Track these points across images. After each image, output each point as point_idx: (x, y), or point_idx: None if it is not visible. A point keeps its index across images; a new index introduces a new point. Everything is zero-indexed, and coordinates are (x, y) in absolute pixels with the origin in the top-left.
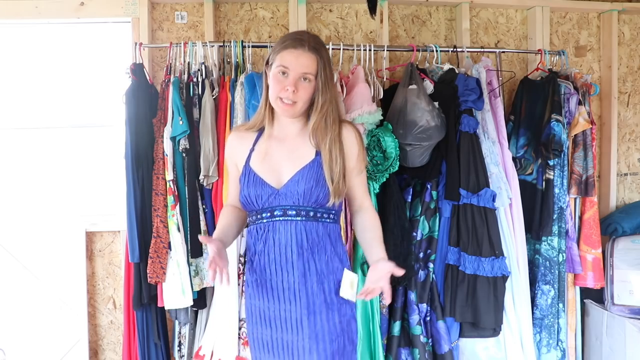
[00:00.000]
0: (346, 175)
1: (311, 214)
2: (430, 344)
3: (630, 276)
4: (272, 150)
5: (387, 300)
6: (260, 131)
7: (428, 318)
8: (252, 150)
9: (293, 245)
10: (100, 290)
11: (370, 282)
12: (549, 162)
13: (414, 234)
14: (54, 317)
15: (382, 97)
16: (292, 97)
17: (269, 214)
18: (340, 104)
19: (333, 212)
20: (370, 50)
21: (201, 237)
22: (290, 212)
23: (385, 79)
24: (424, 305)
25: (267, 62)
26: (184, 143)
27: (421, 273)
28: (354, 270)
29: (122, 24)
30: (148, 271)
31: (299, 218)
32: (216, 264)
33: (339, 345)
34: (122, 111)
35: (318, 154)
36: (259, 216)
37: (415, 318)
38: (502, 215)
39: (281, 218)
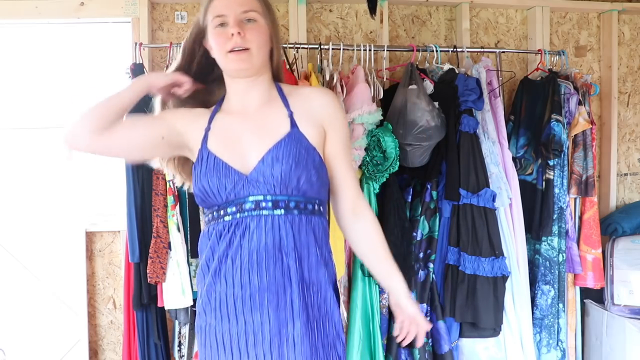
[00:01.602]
0: (328, 156)
1: (292, 204)
2: (430, 344)
3: (630, 276)
4: (233, 127)
5: (419, 343)
6: (215, 108)
7: (428, 318)
8: (207, 129)
9: (269, 248)
10: (100, 290)
11: (404, 327)
12: (549, 162)
13: (414, 234)
14: (54, 317)
15: (382, 97)
16: (241, 41)
17: (235, 209)
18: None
19: (318, 200)
20: (370, 50)
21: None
22: (264, 205)
23: (385, 79)
24: (424, 305)
25: (200, 32)
26: None
27: (421, 273)
28: (352, 272)
29: (122, 24)
30: (148, 271)
31: (277, 211)
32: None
33: None
34: None
35: (294, 124)
36: (220, 212)
37: None
38: (502, 215)
39: (253, 212)
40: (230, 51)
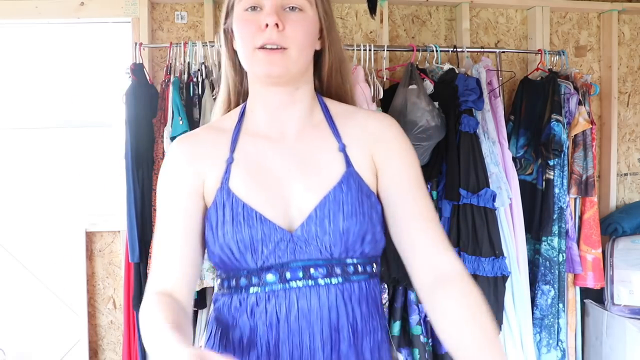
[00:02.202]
0: (388, 199)
1: (350, 268)
2: (431, 344)
3: (630, 276)
4: (267, 159)
5: None
6: (236, 126)
7: (428, 318)
8: (230, 161)
9: (324, 328)
10: (100, 290)
11: None
12: (549, 162)
13: None
14: (54, 317)
15: (382, 97)
16: (277, 37)
17: (274, 277)
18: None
19: (378, 258)
20: (370, 50)
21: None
22: (315, 272)
23: (385, 79)
24: (423, 306)
25: (225, 21)
26: None
27: None
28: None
29: (122, 24)
30: (149, 271)
31: (332, 280)
32: None
33: None
34: (122, 111)
35: (349, 162)
36: (252, 280)
37: (415, 318)
38: (502, 215)
39: (301, 283)
40: (260, 47)
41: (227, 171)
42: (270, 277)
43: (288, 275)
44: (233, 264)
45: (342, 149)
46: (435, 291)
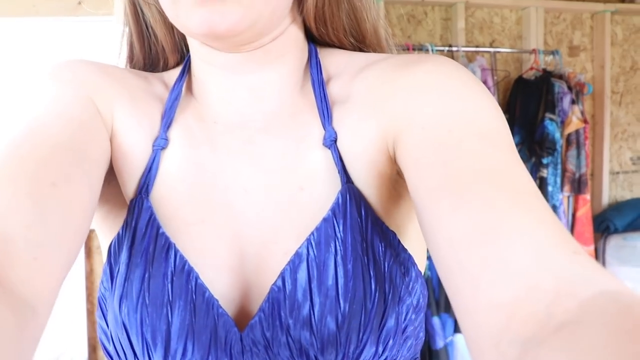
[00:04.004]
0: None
1: None
2: (425, 339)
3: (622, 273)
4: (214, 160)
5: None
6: (173, 95)
7: None
8: (162, 143)
9: None
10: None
11: None
12: (542, 160)
13: None
14: (52, 314)
15: None
16: None
17: None
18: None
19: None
20: None
21: None
22: None
23: None
24: None
25: None
26: None
27: None
28: None
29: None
30: None
31: None
32: None
33: None
34: None
35: (343, 169)
36: None
37: None
38: None
39: None
40: None
41: (153, 163)
42: None
43: None
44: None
45: (330, 140)
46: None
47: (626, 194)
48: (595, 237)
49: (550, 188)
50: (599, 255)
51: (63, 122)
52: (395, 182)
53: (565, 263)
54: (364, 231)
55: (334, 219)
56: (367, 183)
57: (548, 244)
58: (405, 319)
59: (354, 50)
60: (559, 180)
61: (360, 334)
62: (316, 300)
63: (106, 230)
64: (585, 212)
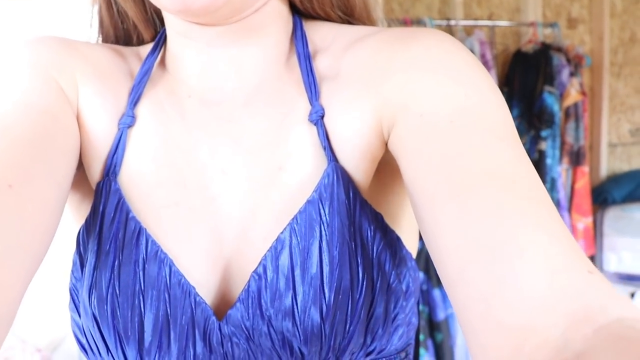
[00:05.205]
0: (416, 181)
1: None
2: (427, 311)
3: (619, 243)
4: (189, 137)
5: None
6: (144, 69)
7: (424, 286)
8: (128, 121)
9: None
10: None
11: None
12: (541, 133)
13: None
14: (51, 310)
15: None
16: None
17: None
18: None
19: (408, 345)
20: None
21: None
22: None
23: None
24: (420, 274)
25: None
26: None
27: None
28: None
29: None
30: None
31: None
32: None
33: None
34: None
35: (329, 146)
36: None
37: None
38: None
39: None
40: None
41: (119, 143)
42: None
43: None
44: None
45: (317, 116)
46: None
47: (624, 166)
48: (594, 208)
49: (549, 161)
50: (597, 226)
51: (24, 111)
52: (386, 165)
53: (581, 285)
54: (352, 214)
55: (320, 201)
56: (356, 165)
57: (563, 263)
58: (395, 307)
59: (342, 23)
60: (557, 152)
61: (347, 325)
62: (299, 289)
63: (80, 218)
64: (583, 184)
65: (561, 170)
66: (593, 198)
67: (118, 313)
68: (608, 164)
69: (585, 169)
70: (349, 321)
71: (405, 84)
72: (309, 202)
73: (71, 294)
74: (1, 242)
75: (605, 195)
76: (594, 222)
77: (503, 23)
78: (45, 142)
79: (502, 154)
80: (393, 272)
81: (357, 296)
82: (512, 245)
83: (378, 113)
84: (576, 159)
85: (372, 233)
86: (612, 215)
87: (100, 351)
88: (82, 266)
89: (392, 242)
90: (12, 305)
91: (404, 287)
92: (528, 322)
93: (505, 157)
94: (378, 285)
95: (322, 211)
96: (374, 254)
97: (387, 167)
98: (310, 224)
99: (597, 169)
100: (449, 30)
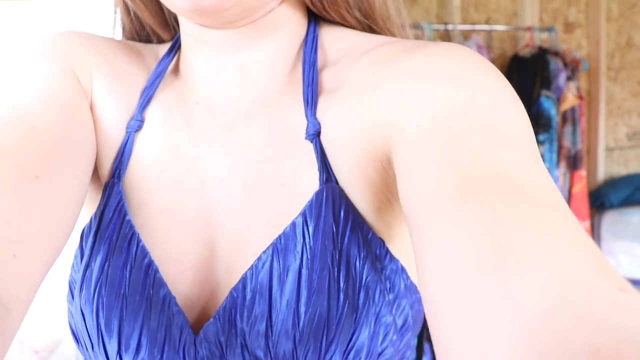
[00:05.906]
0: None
1: None
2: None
3: (617, 248)
4: (192, 146)
5: None
6: (157, 73)
7: None
8: (136, 125)
9: None
10: None
11: None
12: (538, 137)
13: None
14: (49, 313)
15: None
16: None
17: None
18: None
19: None
20: None
21: None
22: None
23: None
24: None
25: None
26: None
27: None
28: None
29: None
30: None
31: None
32: None
33: None
34: None
35: (326, 164)
36: None
37: None
38: None
39: None
40: None
41: (126, 146)
42: None
43: None
44: (86, 354)
45: (312, 134)
46: None
47: (621, 170)
48: (591, 212)
49: (546, 165)
50: (594, 230)
51: (48, 104)
52: (387, 187)
53: (604, 308)
54: (339, 238)
55: (304, 223)
56: (352, 186)
57: (579, 277)
58: (383, 341)
59: (363, 28)
60: (554, 156)
61: (321, 354)
62: (274, 312)
63: (89, 214)
64: (581, 188)
65: (558, 175)
66: (590, 202)
67: (102, 313)
68: (605, 168)
69: (582, 173)
70: (324, 350)
71: (398, 95)
72: (293, 223)
73: (70, 286)
74: (26, 231)
75: (603, 199)
76: (592, 226)
77: (500, 27)
78: (66, 135)
79: (508, 157)
80: (384, 303)
81: (335, 326)
82: (510, 254)
83: (371, 132)
84: (573, 163)
85: (361, 260)
86: (610, 219)
87: (87, 346)
88: (81, 261)
89: (391, 270)
90: (30, 292)
91: (399, 321)
92: (522, 356)
93: (512, 159)
94: (362, 315)
95: (305, 233)
96: (362, 282)
97: (395, 190)
98: (293, 245)
99: (594, 173)
100: (447, 34)
